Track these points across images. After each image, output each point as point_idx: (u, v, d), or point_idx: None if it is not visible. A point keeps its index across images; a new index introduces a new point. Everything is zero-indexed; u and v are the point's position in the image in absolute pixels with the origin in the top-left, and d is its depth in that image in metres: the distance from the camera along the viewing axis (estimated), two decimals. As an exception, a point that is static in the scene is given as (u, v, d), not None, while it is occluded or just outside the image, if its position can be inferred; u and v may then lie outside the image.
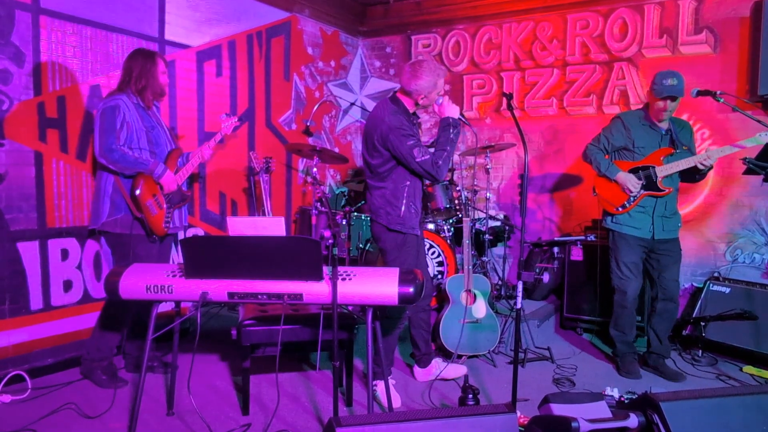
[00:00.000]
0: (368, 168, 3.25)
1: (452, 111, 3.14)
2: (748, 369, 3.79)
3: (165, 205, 3.36)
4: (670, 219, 3.62)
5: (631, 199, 3.57)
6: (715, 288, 4.22)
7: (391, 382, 3.34)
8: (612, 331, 3.79)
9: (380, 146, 3.11)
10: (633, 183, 3.54)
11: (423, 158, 3.05)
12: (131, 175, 3.24)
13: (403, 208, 3.15)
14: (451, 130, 3.10)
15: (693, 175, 3.59)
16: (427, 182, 4.68)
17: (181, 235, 4.04)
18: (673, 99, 3.41)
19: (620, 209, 3.61)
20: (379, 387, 3.18)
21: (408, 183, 3.17)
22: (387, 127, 3.08)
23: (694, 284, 4.62)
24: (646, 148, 3.58)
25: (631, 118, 3.65)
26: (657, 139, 3.58)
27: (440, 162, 3.05)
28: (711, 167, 3.48)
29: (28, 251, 3.48)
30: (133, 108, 3.28)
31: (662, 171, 3.51)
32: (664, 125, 3.58)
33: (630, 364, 3.70)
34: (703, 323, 4.01)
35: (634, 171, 3.58)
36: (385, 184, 3.18)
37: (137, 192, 3.21)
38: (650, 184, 3.53)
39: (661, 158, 3.54)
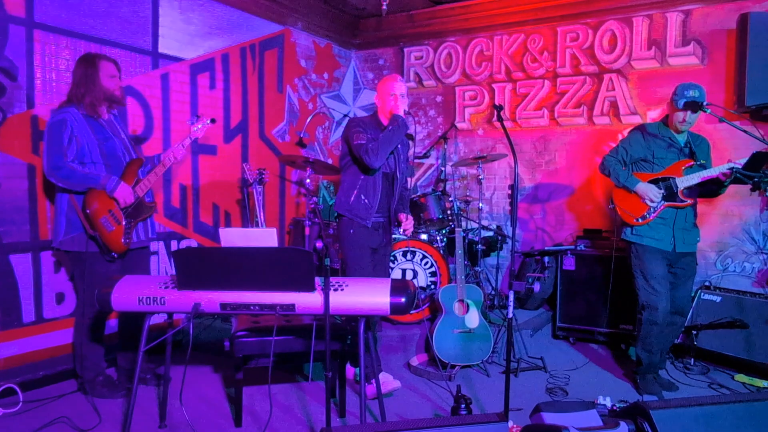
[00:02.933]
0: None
1: (399, 109, 3.34)
2: (740, 377, 3.80)
3: (123, 221, 3.22)
4: (690, 232, 3.58)
5: (652, 210, 3.52)
6: (706, 297, 4.24)
7: (385, 375, 3.45)
8: (639, 351, 3.65)
9: (343, 139, 3.45)
10: (654, 193, 3.50)
11: (358, 142, 3.28)
12: (83, 192, 3.13)
13: (352, 198, 3.39)
14: (392, 125, 3.30)
15: (713, 189, 3.54)
16: (419, 193, 4.72)
17: (154, 247, 3.98)
18: (694, 111, 3.38)
19: (640, 220, 3.56)
20: (371, 387, 3.24)
21: (362, 177, 3.40)
22: (349, 122, 3.45)
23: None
24: (665, 159, 3.55)
25: (651, 130, 3.62)
26: (676, 151, 3.55)
27: (370, 146, 3.23)
28: (732, 178, 3.39)
29: (21, 263, 3.48)
30: (83, 120, 3.15)
31: (683, 182, 3.47)
32: (683, 137, 3.57)
33: (651, 384, 3.60)
34: (694, 332, 4.03)
35: (653, 182, 3.54)
36: (344, 177, 3.48)
37: (88, 210, 3.09)
38: (670, 195, 3.49)
39: (682, 169, 3.50)
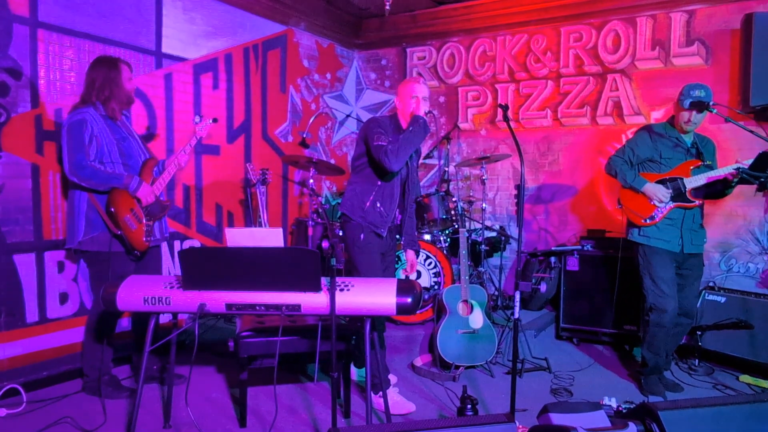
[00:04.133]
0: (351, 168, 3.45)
1: (420, 110, 3.20)
2: (745, 378, 3.79)
3: (144, 219, 3.26)
4: (697, 233, 3.56)
5: (660, 210, 3.52)
6: (711, 297, 4.23)
7: (395, 389, 3.35)
8: (645, 352, 3.63)
9: (361, 139, 3.29)
10: (663, 193, 3.48)
11: (378, 143, 3.12)
12: (106, 191, 3.14)
13: (368, 204, 3.23)
14: (412, 126, 3.14)
15: (720, 189, 3.52)
16: (424, 194, 4.71)
17: (164, 246, 3.99)
18: (699, 110, 3.38)
19: (648, 221, 3.54)
20: (380, 401, 3.11)
21: (379, 184, 3.25)
22: (369, 122, 3.29)
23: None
24: (672, 159, 3.54)
25: (658, 130, 3.61)
26: (683, 151, 3.54)
27: (390, 148, 3.08)
28: (739, 180, 3.39)
29: (25, 263, 3.47)
30: (101, 120, 3.18)
31: (691, 182, 3.45)
32: (689, 138, 3.56)
33: (655, 385, 3.59)
34: (699, 333, 4.03)
35: (661, 182, 3.52)
36: (356, 179, 3.31)
37: (113, 209, 3.10)
38: (678, 195, 3.48)
39: (690, 169, 3.48)
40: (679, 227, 3.52)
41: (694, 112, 3.40)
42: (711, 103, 3.31)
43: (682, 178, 3.48)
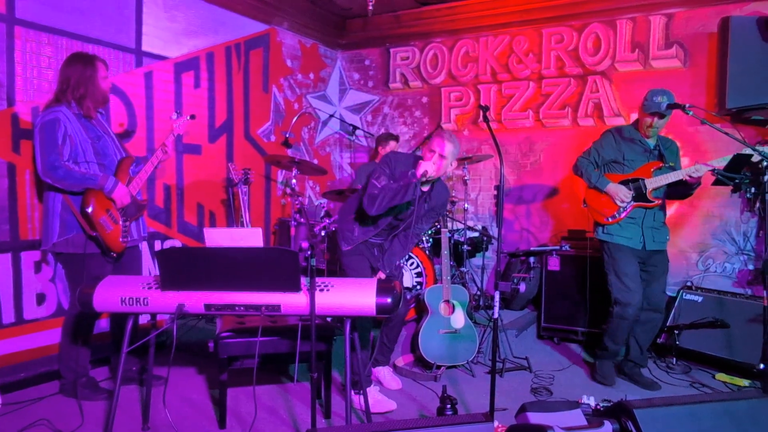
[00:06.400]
0: None
1: (424, 168, 3.05)
2: (721, 377, 3.85)
3: (120, 220, 3.20)
4: (659, 230, 3.68)
5: (622, 209, 3.62)
6: (688, 297, 4.29)
7: (375, 388, 3.35)
8: (606, 340, 3.74)
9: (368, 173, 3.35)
10: (624, 193, 3.59)
11: (373, 182, 3.15)
12: (80, 192, 3.07)
13: (346, 222, 3.40)
14: (400, 180, 3.09)
15: (682, 191, 3.65)
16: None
17: (142, 247, 3.94)
18: (661, 116, 3.49)
19: (610, 219, 3.65)
20: (359, 398, 3.16)
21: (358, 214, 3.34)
22: (384, 156, 3.35)
23: (668, 293, 4.69)
24: (635, 161, 3.65)
25: (622, 133, 3.71)
26: (646, 154, 3.65)
27: (374, 192, 3.09)
28: (700, 182, 3.54)
29: (0, 264, 3.42)
30: (75, 119, 3.11)
31: (652, 183, 3.57)
32: (652, 141, 3.66)
33: (607, 369, 3.74)
34: (676, 331, 4.08)
35: (624, 183, 3.63)
36: (356, 196, 3.43)
37: (89, 210, 3.02)
38: (639, 195, 3.59)
39: (651, 171, 3.59)
40: (640, 225, 3.64)
41: (656, 118, 3.52)
42: (687, 105, 3.37)
43: (643, 179, 3.60)
